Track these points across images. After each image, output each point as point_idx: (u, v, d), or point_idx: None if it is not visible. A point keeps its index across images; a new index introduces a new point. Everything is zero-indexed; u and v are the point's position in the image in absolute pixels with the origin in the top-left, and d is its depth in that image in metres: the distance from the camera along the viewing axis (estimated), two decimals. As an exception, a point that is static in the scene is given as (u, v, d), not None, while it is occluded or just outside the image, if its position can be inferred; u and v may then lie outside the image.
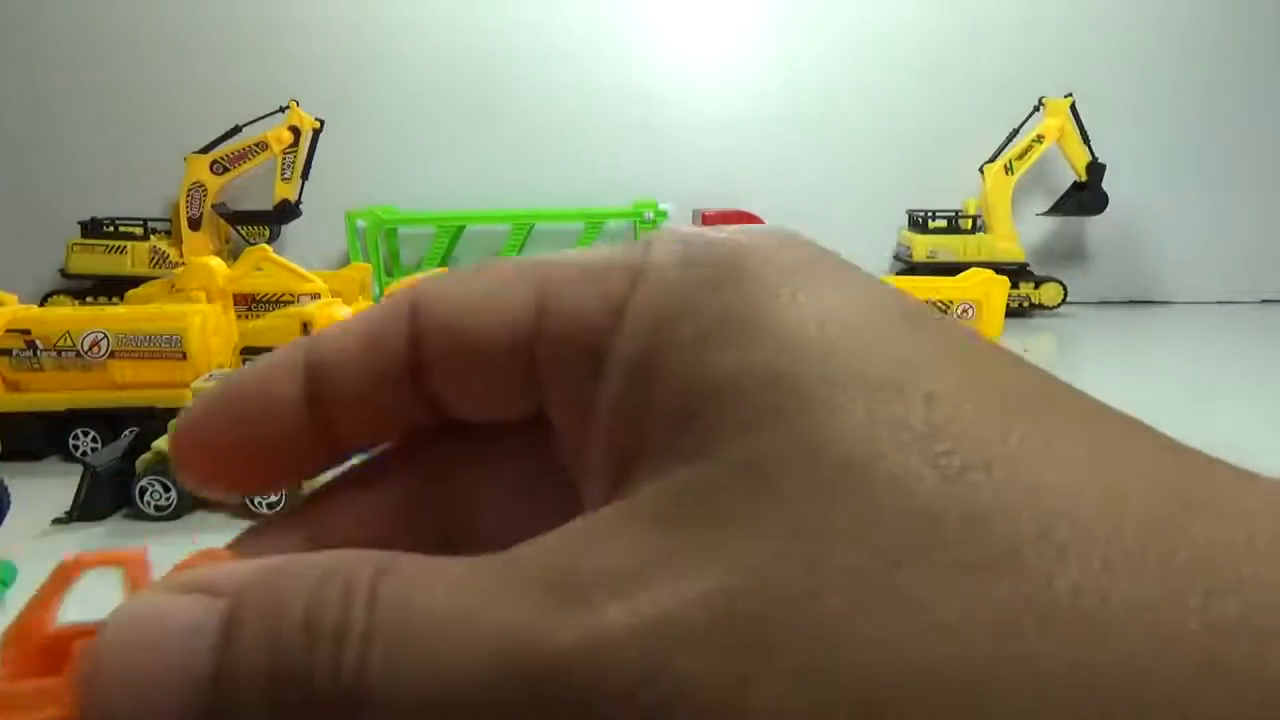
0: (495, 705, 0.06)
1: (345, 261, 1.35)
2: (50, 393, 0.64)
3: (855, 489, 0.06)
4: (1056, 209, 1.37)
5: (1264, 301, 1.44)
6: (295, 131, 1.35)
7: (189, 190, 1.34)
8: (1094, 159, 1.32)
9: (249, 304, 0.85)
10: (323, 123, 1.37)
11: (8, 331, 0.63)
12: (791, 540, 0.06)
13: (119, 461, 0.53)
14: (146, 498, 0.50)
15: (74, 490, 0.52)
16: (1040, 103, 1.33)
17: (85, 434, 0.64)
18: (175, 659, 0.06)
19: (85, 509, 0.51)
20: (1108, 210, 1.34)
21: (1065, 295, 1.30)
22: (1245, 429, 0.67)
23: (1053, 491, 0.06)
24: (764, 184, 1.40)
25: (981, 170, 1.34)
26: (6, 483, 0.50)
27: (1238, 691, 0.06)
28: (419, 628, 0.06)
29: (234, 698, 0.06)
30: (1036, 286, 1.30)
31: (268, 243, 1.27)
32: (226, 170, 1.35)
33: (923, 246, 1.30)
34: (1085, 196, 1.34)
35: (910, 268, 1.31)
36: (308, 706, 0.06)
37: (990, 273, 0.73)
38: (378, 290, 1.18)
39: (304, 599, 0.06)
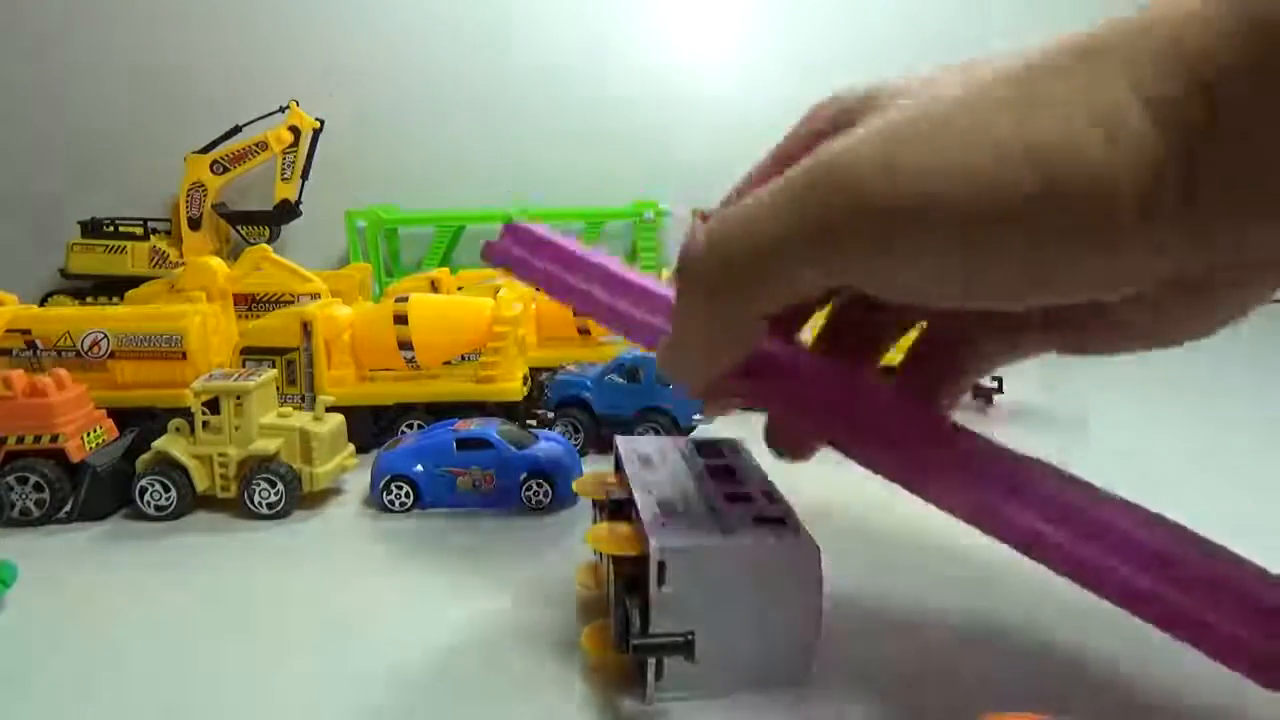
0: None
1: (345, 261, 1.35)
2: (50, 393, 0.64)
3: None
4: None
5: (1264, 301, 1.44)
6: (295, 131, 1.35)
7: (189, 190, 1.34)
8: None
9: (249, 304, 0.85)
10: (323, 123, 1.37)
11: (8, 331, 0.63)
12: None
13: (119, 461, 0.53)
14: (146, 498, 0.50)
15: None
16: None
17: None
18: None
19: (85, 509, 0.51)
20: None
21: (1065, 295, 1.30)
22: (1245, 429, 0.67)
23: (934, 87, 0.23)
24: (764, 184, 1.40)
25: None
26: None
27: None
28: None
29: None
30: (1036, 286, 1.30)
31: (268, 243, 1.27)
32: (226, 170, 1.35)
33: (923, 246, 1.30)
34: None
35: (910, 268, 1.31)
36: None
37: (990, 273, 0.72)
38: (377, 290, 1.17)
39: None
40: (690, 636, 0.30)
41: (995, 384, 0.73)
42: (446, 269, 0.95)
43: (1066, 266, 0.20)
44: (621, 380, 0.63)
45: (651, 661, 0.30)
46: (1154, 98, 0.18)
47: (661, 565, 0.29)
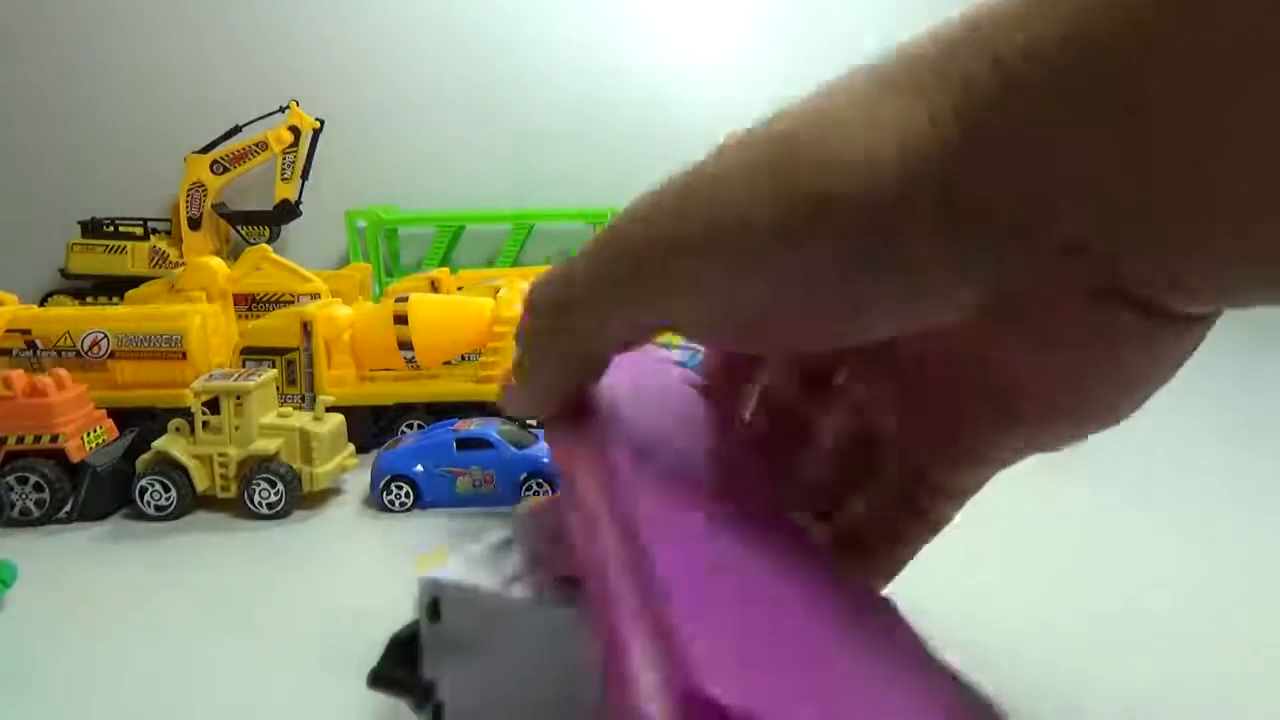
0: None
1: (345, 261, 1.35)
2: (50, 393, 0.64)
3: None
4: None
5: (1264, 302, 1.44)
6: (295, 131, 1.35)
7: (189, 190, 1.34)
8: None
9: (249, 304, 0.85)
10: (323, 123, 1.37)
11: (8, 331, 0.63)
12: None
13: (119, 461, 0.53)
14: (146, 498, 0.51)
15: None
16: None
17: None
18: None
19: (85, 508, 0.51)
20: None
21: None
22: (1243, 429, 0.67)
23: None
24: (764, 184, 1.40)
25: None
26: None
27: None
28: None
29: None
30: (1036, 287, 1.30)
31: (268, 243, 1.27)
32: (226, 170, 1.35)
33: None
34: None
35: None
36: None
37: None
38: (377, 290, 1.18)
39: None
40: (429, 684, 0.26)
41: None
42: (446, 269, 0.95)
43: (839, 289, 0.18)
44: (621, 380, 0.63)
45: (429, 706, 0.27)
46: (908, 102, 0.17)
47: (434, 601, 0.26)
